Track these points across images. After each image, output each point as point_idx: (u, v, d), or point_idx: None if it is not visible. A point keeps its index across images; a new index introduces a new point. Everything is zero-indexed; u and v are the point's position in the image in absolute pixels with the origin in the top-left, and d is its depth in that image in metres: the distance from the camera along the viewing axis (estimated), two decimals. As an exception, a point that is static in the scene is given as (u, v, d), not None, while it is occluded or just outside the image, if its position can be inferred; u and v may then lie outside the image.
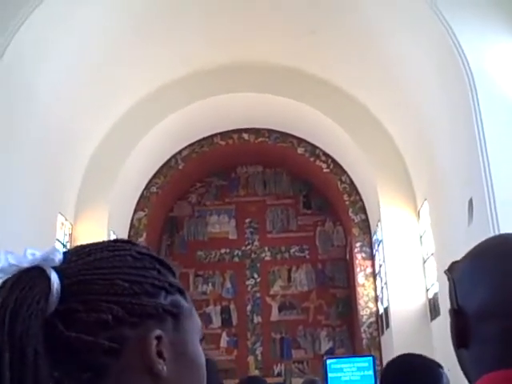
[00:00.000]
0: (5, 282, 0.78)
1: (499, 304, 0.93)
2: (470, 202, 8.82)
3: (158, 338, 0.80)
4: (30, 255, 0.80)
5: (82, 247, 0.86)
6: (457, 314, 0.98)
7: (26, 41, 9.43)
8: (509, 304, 0.93)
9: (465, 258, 1.04)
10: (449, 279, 1.03)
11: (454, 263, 1.06)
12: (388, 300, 12.32)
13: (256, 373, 14.39)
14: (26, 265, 0.79)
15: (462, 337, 0.97)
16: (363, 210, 14.36)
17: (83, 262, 0.82)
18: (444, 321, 9.72)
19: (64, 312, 0.77)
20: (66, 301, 0.77)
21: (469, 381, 0.98)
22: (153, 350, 0.80)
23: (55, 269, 0.79)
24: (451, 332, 0.99)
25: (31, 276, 0.77)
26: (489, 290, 0.95)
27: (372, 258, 13.83)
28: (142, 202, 14.75)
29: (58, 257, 0.81)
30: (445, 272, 1.06)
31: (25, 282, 0.77)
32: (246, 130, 15.21)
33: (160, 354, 0.80)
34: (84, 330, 0.77)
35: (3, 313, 0.74)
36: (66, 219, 12.29)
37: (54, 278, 0.78)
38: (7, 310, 0.74)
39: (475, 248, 1.04)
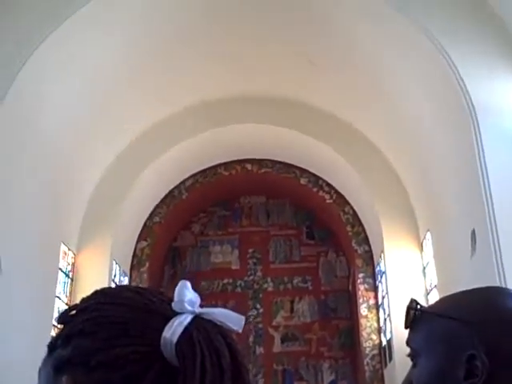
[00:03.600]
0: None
1: None
2: (473, 233, 8.82)
3: None
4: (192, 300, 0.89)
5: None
6: (485, 357, 0.99)
7: (28, 80, 9.54)
8: None
9: (476, 301, 1.06)
10: (463, 321, 1.03)
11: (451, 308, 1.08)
12: (391, 332, 12.25)
13: (258, 405, 14.24)
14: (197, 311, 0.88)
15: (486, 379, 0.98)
16: (366, 241, 14.35)
17: None
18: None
19: None
20: None
21: None
22: None
23: None
24: (468, 376, 0.99)
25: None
26: None
27: (375, 289, 13.77)
28: (145, 232, 14.77)
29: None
30: (453, 317, 1.06)
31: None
32: (249, 161, 15.29)
33: None
34: None
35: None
36: (69, 248, 12.30)
37: None
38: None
39: (481, 294, 1.08)
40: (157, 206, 14.99)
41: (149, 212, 14.85)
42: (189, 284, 0.89)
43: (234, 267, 16.54)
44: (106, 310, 0.88)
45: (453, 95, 9.05)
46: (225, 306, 15.93)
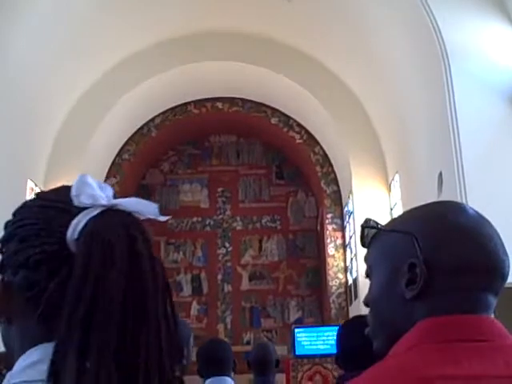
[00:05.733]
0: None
1: (475, 261, 1.02)
2: (440, 175, 8.94)
3: None
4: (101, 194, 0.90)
5: None
6: (423, 264, 1.03)
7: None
8: (482, 262, 1.02)
9: (420, 215, 1.10)
10: (407, 233, 1.06)
11: (394, 221, 1.16)
12: (357, 271, 12.46)
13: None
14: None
15: (423, 288, 1.03)
16: (335, 181, 14.44)
17: None
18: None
19: None
20: None
21: (399, 329, 1.03)
22: None
23: None
24: (409, 283, 1.04)
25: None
26: (465, 248, 1.03)
27: (343, 229, 13.95)
28: (114, 169, 14.63)
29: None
30: (387, 229, 1.12)
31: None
32: (220, 99, 15.10)
33: None
34: None
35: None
36: (36, 185, 12.15)
37: None
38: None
39: (428, 207, 1.12)
40: (125, 143, 14.81)
41: (117, 149, 14.68)
42: (89, 178, 0.89)
43: (203, 206, 16.57)
44: (25, 213, 0.91)
45: (427, 40, 9.00)
46: (194, 245, 16.12)
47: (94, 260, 0.82)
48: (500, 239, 1.07)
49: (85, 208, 0.86)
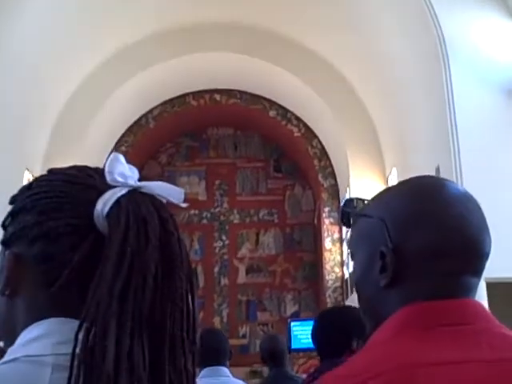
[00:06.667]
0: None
1: (448, 244, 0.99)
2: (438, 169, 8.93)
3: None
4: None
5: None
6: (392, 252, 1.01)
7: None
8: (457, 244, 0.99)
9: (392, 197, 1.08)
10: (378, 219, 1.04)
11: (370, 204, 1.13)
12: (353, 265, 12.46)
13: (221, 334, 14.51)
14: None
15: (395, 275, 1.01)
16: (333, 175, 14.44)
17: None
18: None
19: None
20: None
21: (380, 316, 1.03)
22: None
23: None
24: (382, 271, 1.02)
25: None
26: (435, 232, 0.99)
27: (339, 223, 13.93)
28: (112, 161, 14.58)
29: None
30: (362, 214, 1.10)
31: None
32: (218, 91, 15.07)
33: None
34: None
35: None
36: (33, 175, 12.12)
37: None
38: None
39: (403, 188, 1.10)
40: (123, 135, 14.79)
41: (115, 140, 14.67)
42: (121, 157, 0.90)
43: (200, 198, 16.54)
44: (45, 186, 0.91)
45: (426, 31, 8.99)
46: (191, 238, 16.07)
47: (131, 235, 0.83)
48: (481, 216, 1.03)
49: (111, 186, 0.88)
